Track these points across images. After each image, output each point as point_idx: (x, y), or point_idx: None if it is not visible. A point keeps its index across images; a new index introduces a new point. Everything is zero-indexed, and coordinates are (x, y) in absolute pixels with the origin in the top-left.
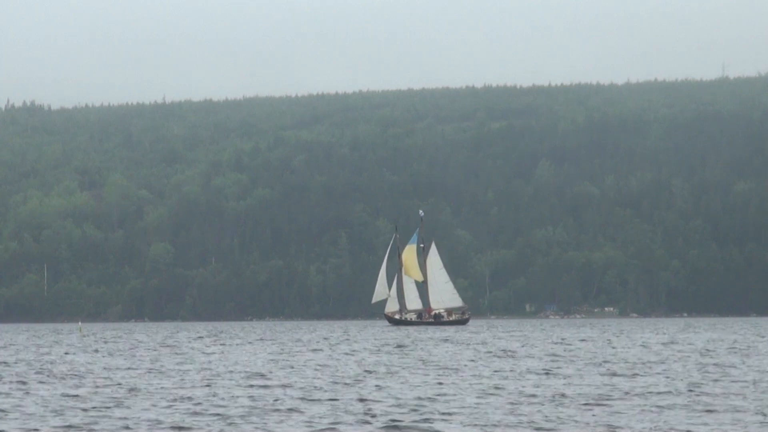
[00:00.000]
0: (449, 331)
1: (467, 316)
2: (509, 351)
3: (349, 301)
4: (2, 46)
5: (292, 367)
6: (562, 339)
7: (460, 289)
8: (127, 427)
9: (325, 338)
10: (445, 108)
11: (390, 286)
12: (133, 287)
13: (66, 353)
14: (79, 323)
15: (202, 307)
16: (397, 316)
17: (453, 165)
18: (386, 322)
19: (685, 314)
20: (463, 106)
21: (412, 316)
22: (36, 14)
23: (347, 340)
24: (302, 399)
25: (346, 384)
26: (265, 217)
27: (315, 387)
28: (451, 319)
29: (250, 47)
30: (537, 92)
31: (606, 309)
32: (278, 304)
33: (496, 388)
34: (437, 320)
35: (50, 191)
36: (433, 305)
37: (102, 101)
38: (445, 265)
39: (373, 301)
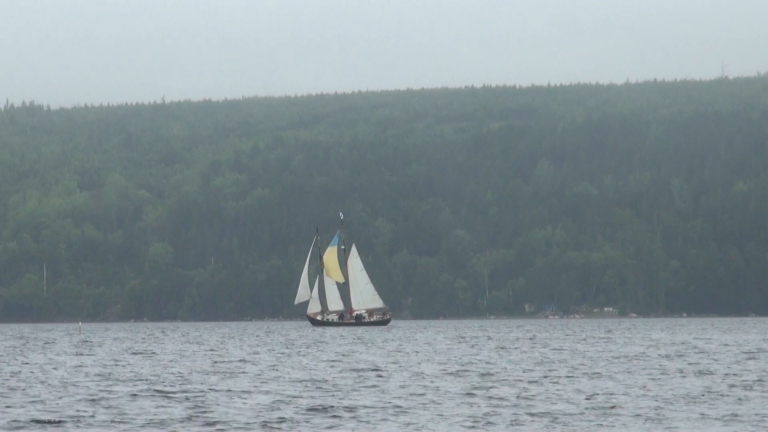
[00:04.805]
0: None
1: (388, 317)
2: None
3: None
4: (2, 46)
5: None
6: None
7: (460, 289)
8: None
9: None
10: (444, 108)
11: (312, 288)
12: (132, 287)
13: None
14: (79, 323)
15: (201, 307)
16: (319, 317)
17: (452, 165)
18: (309, 323)
19: (684, 314)
20: (462, 106)
21: (334, 317)
22: (36, 14)
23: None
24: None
25: None
26: (264, 217)
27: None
28: (372, 319)
29: (250, 47)
30: (536, 92)
31: (605, 309)
32: (277, 304)
33: None
34: (359, 321)
35: (49, 191)
36: (354, 306)
37: (101, 101)
38: (445, 265)
39: (296, 302)
